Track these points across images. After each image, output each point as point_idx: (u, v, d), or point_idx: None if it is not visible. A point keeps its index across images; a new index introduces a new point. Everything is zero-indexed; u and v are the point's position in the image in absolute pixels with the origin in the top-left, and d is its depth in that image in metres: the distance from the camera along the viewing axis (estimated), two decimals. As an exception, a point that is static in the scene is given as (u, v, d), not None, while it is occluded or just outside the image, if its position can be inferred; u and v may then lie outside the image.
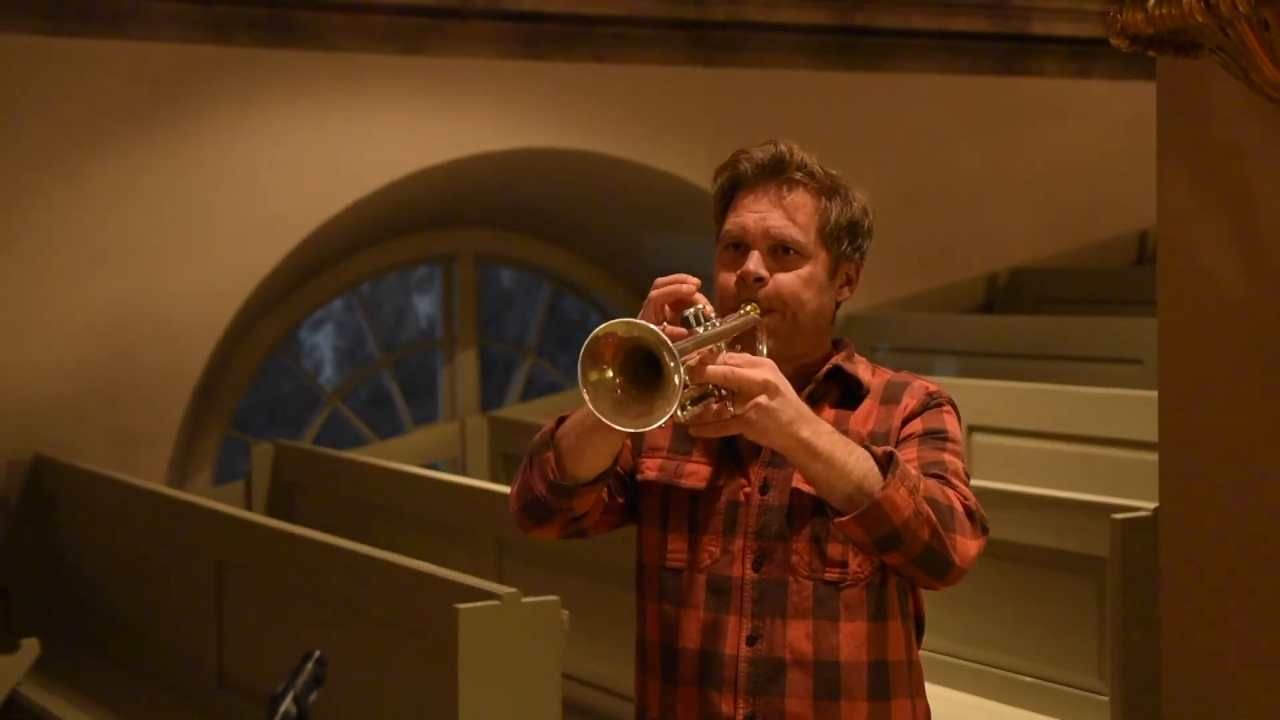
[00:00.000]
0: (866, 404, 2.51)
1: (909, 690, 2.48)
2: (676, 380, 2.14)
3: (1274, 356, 2.68)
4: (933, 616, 2.64)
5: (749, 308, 2.45)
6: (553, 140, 7.35)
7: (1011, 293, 8.35)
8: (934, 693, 2.66)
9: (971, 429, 6.09)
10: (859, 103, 7.91)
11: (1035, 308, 8.16)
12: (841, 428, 2.39)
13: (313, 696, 2.02)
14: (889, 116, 8.02)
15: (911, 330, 7.83)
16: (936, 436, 2.45)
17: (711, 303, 2.40)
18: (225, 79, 6.67)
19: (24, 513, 6.40)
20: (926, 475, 2.35)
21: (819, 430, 2.30)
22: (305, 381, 8.34)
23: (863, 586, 2.41)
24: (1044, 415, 6.02)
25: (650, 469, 2.53)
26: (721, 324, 2.36)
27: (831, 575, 2.41)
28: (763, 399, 2.26)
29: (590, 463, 2.39)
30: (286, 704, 1.98)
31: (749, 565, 2.43)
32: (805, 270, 2.48)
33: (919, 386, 2.51)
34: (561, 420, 2.44)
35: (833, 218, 2.50)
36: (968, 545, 2.34)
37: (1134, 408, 5.56)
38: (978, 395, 6.14)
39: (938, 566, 2.32)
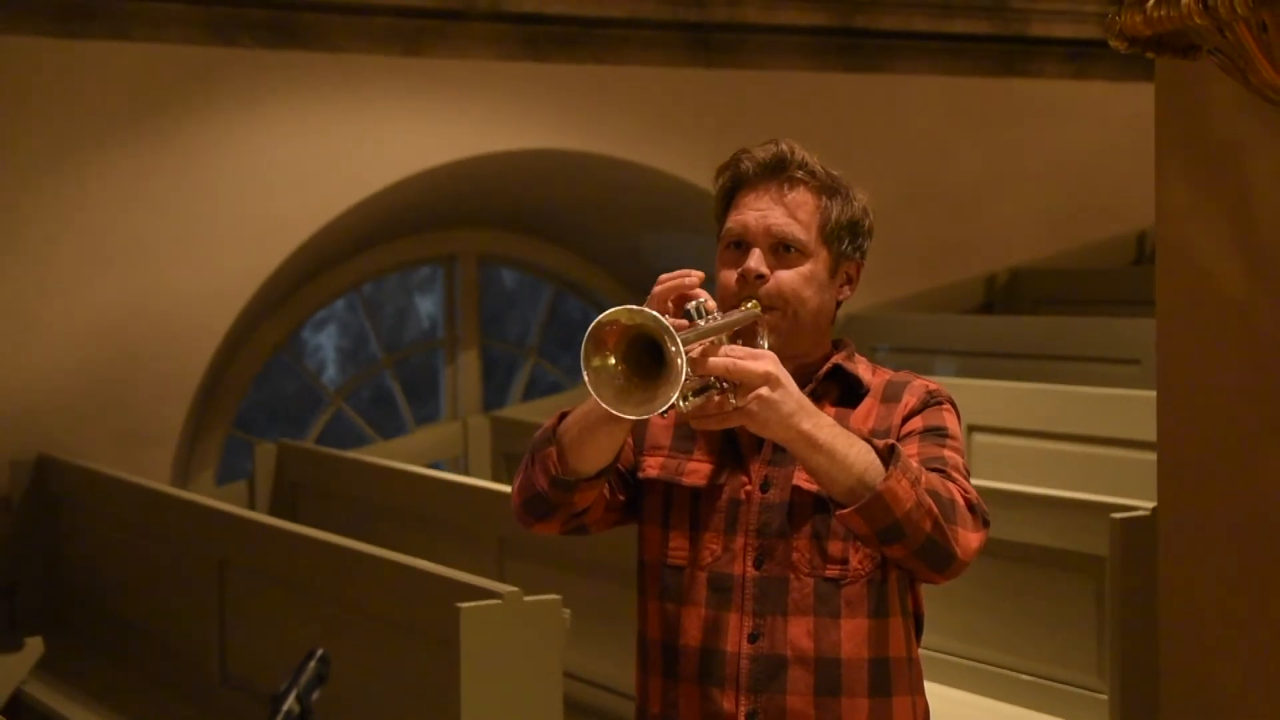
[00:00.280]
0: (867, 402, 2.51)
1: (909, 687, 2.48)
2: (679, 365, 2.14)
3: (1272, 356, 2.69)
4: (932, 615, 2.64)
5: (750, 304, 2.46)
6: (554, 141, 7.35)
7: (1011, 293, 8.34)
8: (934, 691, 2.67)
9: (971, 429, 6.10)
10: (859, 104, 7.91)
11: (1034, 308, 8.16)
12: (842, 426, 2.39)
13: (315, 695, 2.01)
14: (889, 118, 8.03)
15: (911, 330, 7.83)
16: (937, 433, 2.45)
17: (713, 299, 2.41)
18: (228, 80, 6.67)
19: (28, 512, 6.40)
20: (928, 470, 2.35)
21: (820, 423, 2.30)
22: (308, 381, 8.34)
23: (863, 583, 2.42)
24: (1043, 415, 6.02)
25: (652, 467, 2.54)
26: (723, 318, 2.37)
27: (832, 572, 2.41)
28: (764, 391, 2.27)
29: (592, 458, 2.39)
30: (289, 702, 1.97)
31: (750, 563, 2.44)
32: (806, 268, 2.49)
33: (919, 385, 2.52)
34: (564, 416, 2.44)
35: (833, 216, 2.51)
36: (969, 538, 2.34)
37: (1133, 407, 5.56)
38: (977, 395, 6.14)
39: (939, 559, 2.33)
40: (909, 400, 2.50)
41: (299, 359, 8.30)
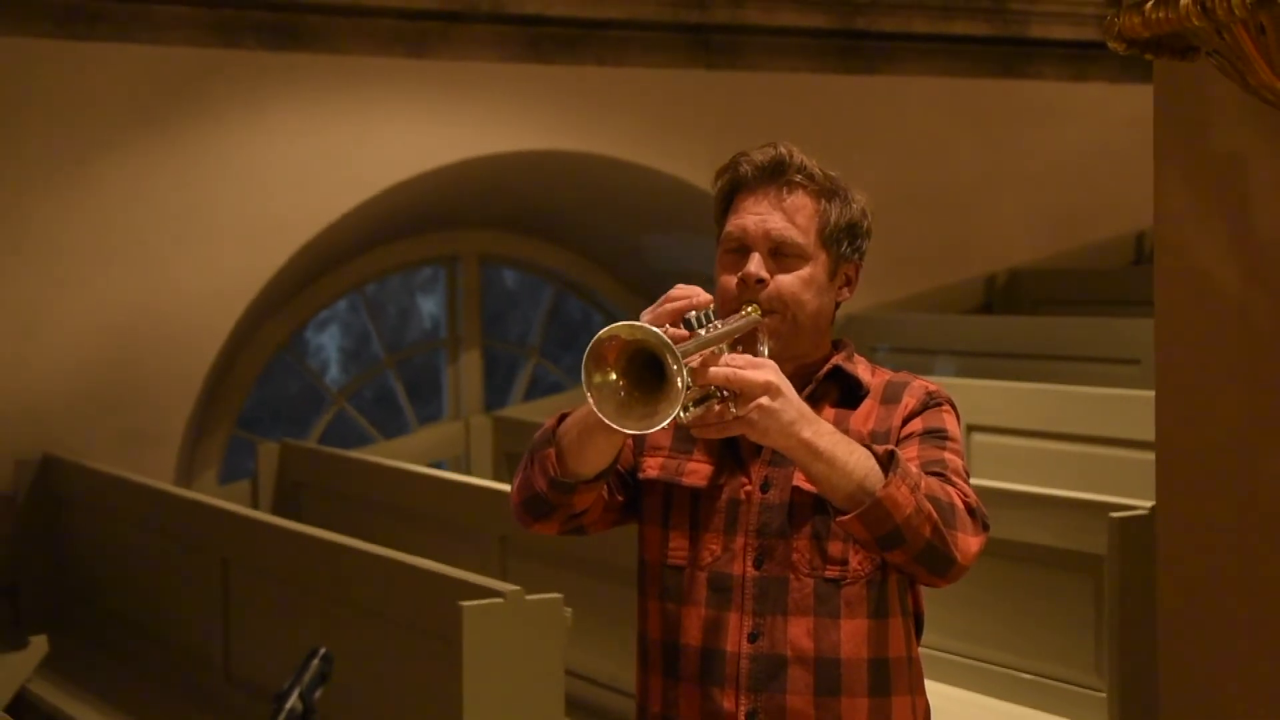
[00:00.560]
0: (866, 404, 2.51)
1: (909, 687, 2.49)
2: (679, 383, 2.15)
3: (1269, 356, 2.69)
4: (932, 614, 2.65)
5: (750, 309, 2.46)
6: (555, 142, 7.36)
7: (1010, 293, 8.35)
8: (934, 689, 2.67)
9: (971, 429, 6.10)
10: (859, 105, 7.92)
11: (1034, 308, 8.15)
12: (842, 427, 2.40)
13: (318, 693, 2.02)
14: (889, 119, 8.03)
15: (911, 331, 7.83)
16: (936, 435, 2.46)
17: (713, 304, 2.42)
18: (231, 82, 6.68)
19: (33, 511, 6.42)
20: (927, 473, 2.36)
21: (820, 430, 2.31)
22: (311, 381, 8.34)
23: (863, 584, 2.42)
24: (1042, 415, 6.02)
25: (652, 468, 2.54)
26: (723, 326, 2.37)
27: (832, 573, 2.41)
28: (765, 400, 2.27)
29: (591, 460, 2.40)
30: (292, 700, 1.99)
31: (750, 563, 2.44)
32: (805, 271, 2.49)
33: (918, 386, 2.52)
34: (563, 417, 2.44)
35: (832, 219, 2.51)
36: (969, 542, 2.34)
37: (1131, 407, 5.57)
38: (977, 395, 6.15)
39: (939, 564, 2.33)
40: (909, 401, 2.50)
41: (302, 359, 8.31)
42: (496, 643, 3.86)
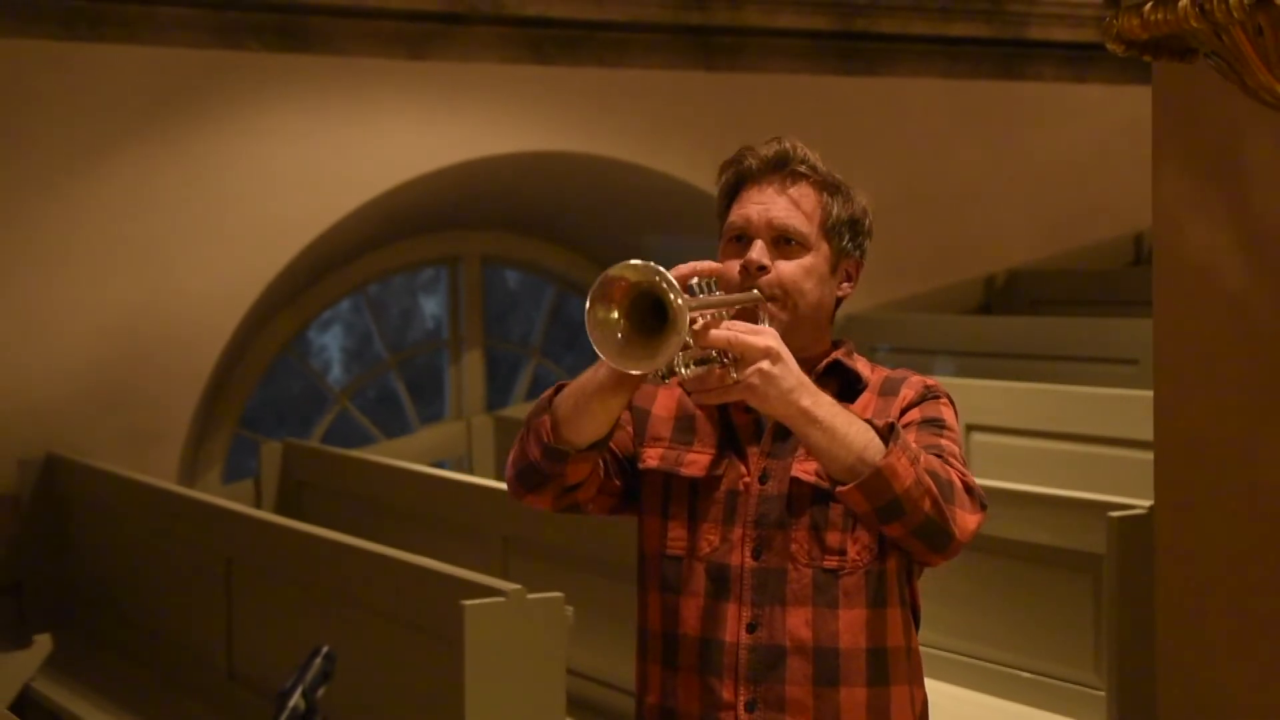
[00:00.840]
0: (865, 396, 2.53)
1: (907, 677, 2.50)
2: (683, 318, 2.16)
3: (1267, 356, 2.71)
4: (931, 611, 2.66)
5: (752, 293, 2.48)
6: (557, 143, 7.37)
7: (1009, 294, 8.35)
8: (932, 687, 2.67)
9: (970, 428, 6.11)
10: (859, 107, 7.93)
11: (1033, 309, 8.15)
12: None
13: (321, 691, 2.01)
14: (888, 120, 8.04)
15: (911, 331, 7.84)
16: (934, 424, 2.47)
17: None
18: (235, 84, 6.70)
19: (37, 511, 6.43)
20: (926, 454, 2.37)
21: (820, 401, 2.32)
22: (314, 381, 8.35)
23: (861, 574, 2.43)
24: (1041, 415, 6.02)
25: (651, 458, 2.55)
26: (725, 295, 2.40)
27: (830, 563, 2.42)
28: (765, 364, 2.28)
29: (586, 429, 2.40)
30: (295, 699, 1.98)
31: (748, 553, 2.45)
32: (807, 260, 2.51)
33: (916, 380, 2.55)
34: (560, 388, 2.46)
35: (835, 212, 2.53)
36: (967, 519, 2.36)
37: (1130, 407, 5.57)
38: (976, 395, 6.14)
39: (938, 538, 2.34)
40: (907, 393, 2.52)
41: (305, 359, 8.31)
42: (498, 641, 3.86)
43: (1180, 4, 2.40)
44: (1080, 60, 8.36)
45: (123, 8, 6.45)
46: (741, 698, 2.44)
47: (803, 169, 2.54)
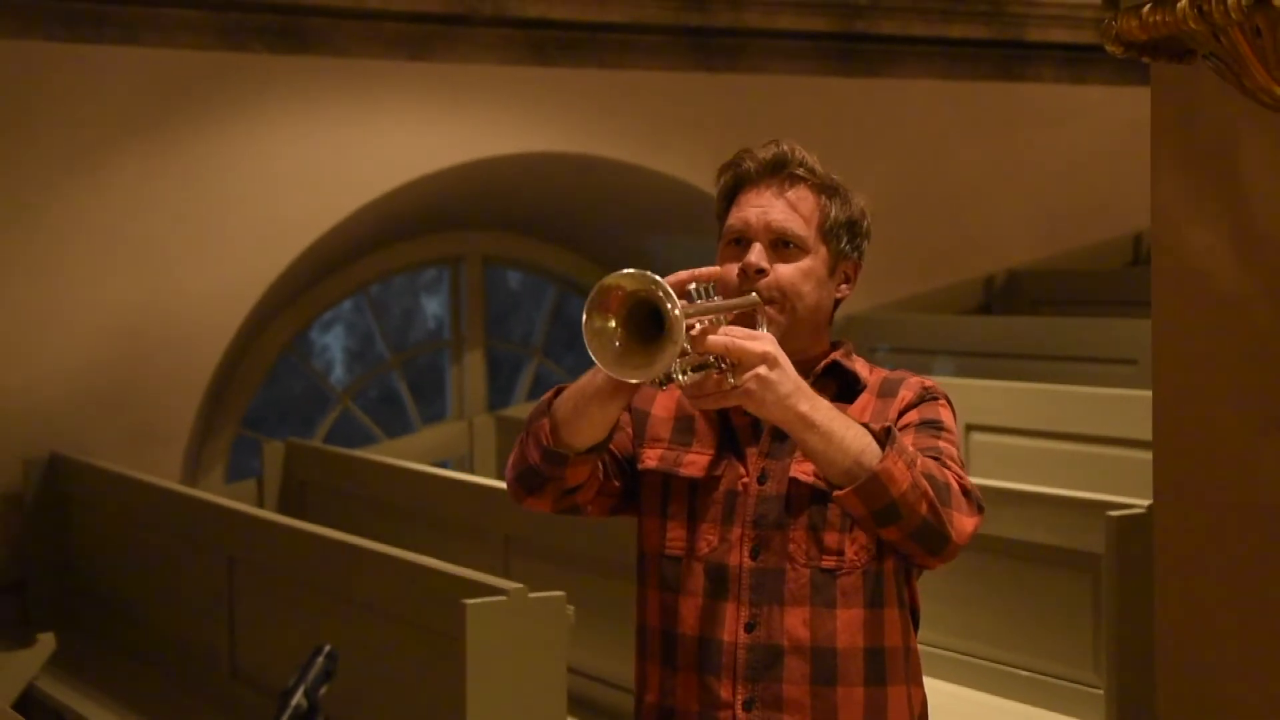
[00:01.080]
0: (863, 398, 2.54)
1: (905, 677, 2.50)
2: (679, 327, 2.16)
3: (1265, 355, 2.70)
4: (930, 610, 2.67)
5: (750, 297, 2.49)
6: (558, 144, 7.38)
7: (1009, 294, 8.35)
8: (931, 685, 2.68)
9: (969, 428, 6.12)
10: (859, 108, 7.94)
11: (1032, 309, 8.16)
12: None
13: (323, 690, 2.02)
14: (888, 121, 8.05)
15: (911, 331, 7.84)
16: (933, 426, 2.48)
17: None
18: (237, 85, 6.70)
19: (41, 510, 6.43)
20: (924, 457, 2.38)
21: (817, 405, 2.33)
22: (316, 381, 8.36)
23: (859, 574, 2.44)
24: (1041, 414, 6.03)
25: (651, 459, 2.56)
26: (723, 300, 2.41)
27: (828, 563, 2.43)
28: (762, 370, 2.29)
29: (585, 432, 2.41)
30: (297, 697, 1.98)
31: (747, 553, 2.46)
32: (805, 263, 2.52)
33: (915, 381, 2.56)
34: (560, 391, 2.47)
35: (833, 214, 2.54)
36: (964, 522, 2.37)
37: (1128, 407, 5.58)
38: (976, 395, 6.16)
39: (935, 541, 2.35)
40: (905, 395, 2.53)
41: (307, 359, 8.32)
42: (499, 640, 3.87)
43: (1179, 5, 2.41)
44: (1079, 62, 8.37)
45: (125, 9, 6.46)
46: (739, 696, 2.44)
47: (800, 172, 2.55)
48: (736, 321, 2.42)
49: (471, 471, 7.48)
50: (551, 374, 8.51)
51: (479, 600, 3.88)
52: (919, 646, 2.60)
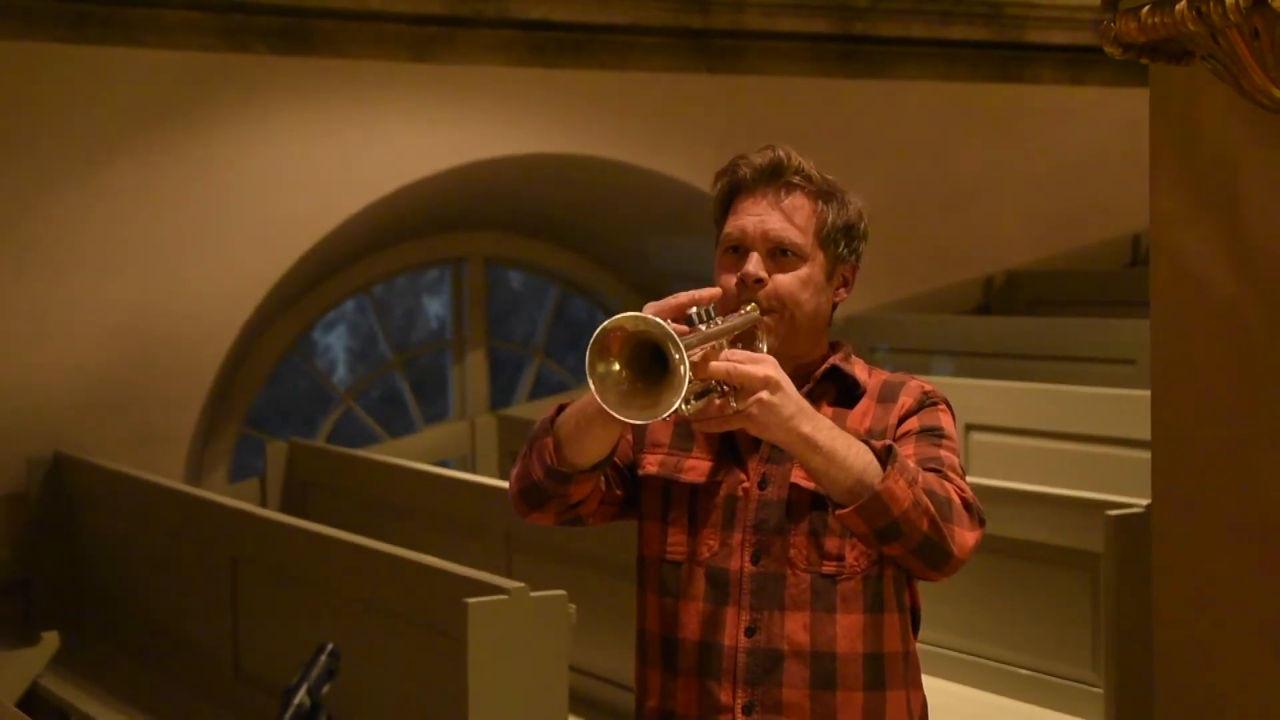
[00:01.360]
0: (863, 403, 2.54)
1: (904, 681, 2.51)
2: (682, 373, 2.16)
3: (1262, 356, 2.71)
4: (930, 610, 2.67)
5: (749, 308, 2.49)
6: (559, 145, 7.38)
7: (1008, 294, 8.35)
8: (931, 685, 2.69)
9: (969, 428, 6.12)
10: (859, 109, 7.94)
11: (1031, 309, 8.16)
12: (839, 426, 2.41)
13: (326, 688, 2.02)
14: (888, 122, 8.06)
15: (910, 331, 7.84)
16: (933, 433, 2.48)
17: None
18: (240, 86, 6.71)
19: (45, 509, 6.44)
20: (924, 470, 2.38)
21: (819, 425, 2.33)
22: (318, 381, 8.36)
23: (859, 579, 2.44)
24: (1039, 414, 6.03)
25: (651, 464, 2.57)
26: (723, 322, 2.39)
27: (829, 568, 2.44)
28: (764, 394, 2.29)
29: (589, 451, 2.42)
30: (300, 696, 1.98)
31: (747, 558, 2.47)
32: (803, 271, 2.52)
33: (914, 386, 2.55)
34: (562, 408, 2.47)
35: (829, 220, 2.54)
36: (965, 536, 2.37)
37: (1127, 407, 5.59)
38: (975, 395, 6.16)
39: (936, 557, 2.36)
40: (905, 401, 2.53)
41: (309, 359, 8.32)
42: (501, 639, 3.87)
43: (1177, 7, 2.43)
44: (1078, 63, 8.37)
45: (129, 11, 6.46)
46: (739, 701, 2.45)
47: (796, 179, 2.54)
48: (737, 337, 2.43)
49: (473, 471, 7.48)
50: (553, 374, 8.51)
51: (481, 599, 3.88)
52: (919, 647, 2.60)
